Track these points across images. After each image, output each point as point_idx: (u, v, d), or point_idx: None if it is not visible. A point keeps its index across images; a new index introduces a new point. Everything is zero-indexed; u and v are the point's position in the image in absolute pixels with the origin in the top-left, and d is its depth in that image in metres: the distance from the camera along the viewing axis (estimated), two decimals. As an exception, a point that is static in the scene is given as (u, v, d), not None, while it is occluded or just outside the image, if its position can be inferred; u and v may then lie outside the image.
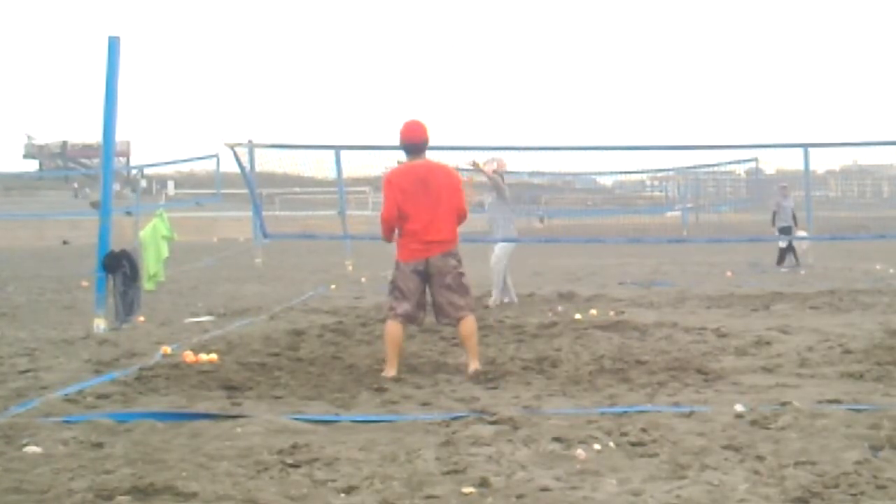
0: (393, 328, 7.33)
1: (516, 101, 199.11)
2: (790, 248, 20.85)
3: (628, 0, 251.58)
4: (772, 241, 21.72)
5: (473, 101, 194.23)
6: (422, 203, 7.27)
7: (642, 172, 31.73)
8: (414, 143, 7.44)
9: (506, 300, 12.77)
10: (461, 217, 7.48)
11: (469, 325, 7.37)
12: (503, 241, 13.01)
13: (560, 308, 12.14)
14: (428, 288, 7.41)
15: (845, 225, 31.16)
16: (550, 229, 31.15)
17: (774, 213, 21.37)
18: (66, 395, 6.37)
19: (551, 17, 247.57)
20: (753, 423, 5.39)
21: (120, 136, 11.82)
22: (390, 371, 7.18)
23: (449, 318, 7.44)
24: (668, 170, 30.68)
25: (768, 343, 8.70)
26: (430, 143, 7.63)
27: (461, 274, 7.39)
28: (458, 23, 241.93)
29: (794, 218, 21.06)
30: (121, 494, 4.13)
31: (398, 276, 7.40)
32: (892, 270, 18.87)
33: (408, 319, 7.39)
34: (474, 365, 7.28)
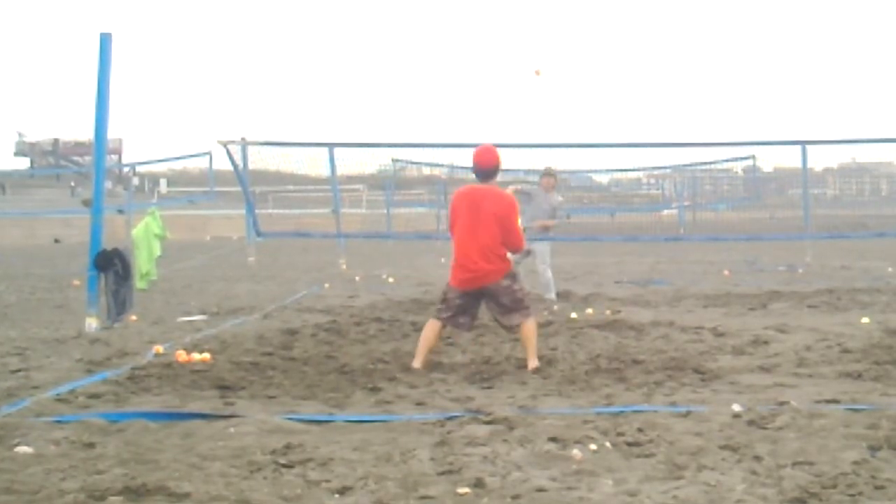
0: (431, 326, 7.59)
1: (513, 99, 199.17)
2: None
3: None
4: (769, 240, 21.64)
5: (471, 99, 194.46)
6: (468, 226, 7.48)
7: (639, 170, 31.64)
8: (480, 167, 7.66)
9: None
10: (512, 245, 7.59)
11: (528, 329, 7.51)
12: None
13: (556, 307, 12.12)
14: (484, 303, 7.63)
15: (844, 223, 31.15)
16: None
17: None
18: (57, 394, 6.33)
19: (548, 14, 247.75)
20: (751, 422, 5.36)
21: (112, 133, 11.78)
22: (416, 363, 7.39)
23: (508, 328, 7.70)
24: (665, 167, 30.61)
25: (766, 342, 8.67)
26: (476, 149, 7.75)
27: (516, 291, 7.55)
28: (454, 21, 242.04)
29: None
30: (113, 495, 4.08)
31: (448, 294, 7.63)
32: (890, 269, 18.85)
33: (452, 325, 7.65)
34: (532, 364, 7.38)
